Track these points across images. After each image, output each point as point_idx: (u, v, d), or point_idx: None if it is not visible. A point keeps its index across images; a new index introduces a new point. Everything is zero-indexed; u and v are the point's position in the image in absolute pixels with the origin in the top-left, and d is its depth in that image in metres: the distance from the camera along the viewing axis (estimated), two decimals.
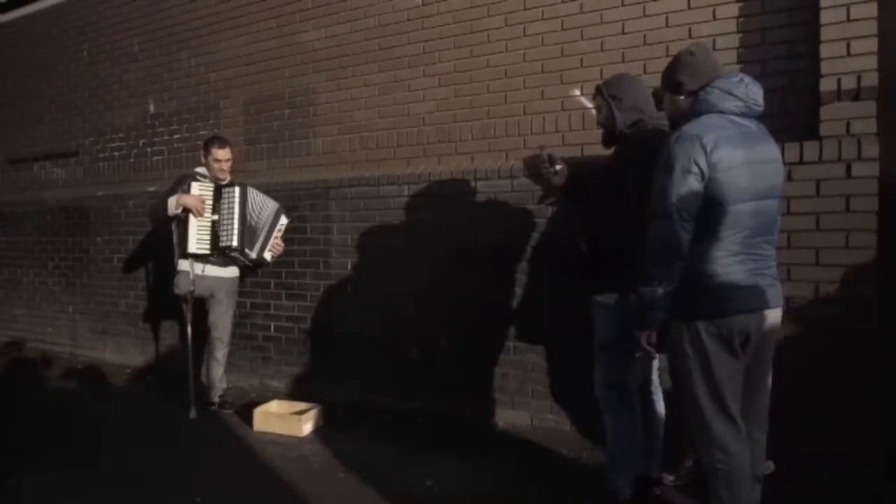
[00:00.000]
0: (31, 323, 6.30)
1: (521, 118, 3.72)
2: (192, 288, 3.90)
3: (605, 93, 2.49)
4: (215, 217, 3.91)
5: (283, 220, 4.19)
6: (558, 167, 2.79)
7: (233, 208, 3.89)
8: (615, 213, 2.34)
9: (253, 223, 3.99)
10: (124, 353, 5.48)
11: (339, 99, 4.41)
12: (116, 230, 5.53)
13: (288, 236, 4.28)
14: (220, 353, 4.09)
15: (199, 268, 3.94)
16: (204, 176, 4.01)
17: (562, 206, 3.47)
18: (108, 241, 5.62)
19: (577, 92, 3.57)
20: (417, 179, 3.96)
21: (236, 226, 3.88)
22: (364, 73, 4.28)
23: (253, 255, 4.00)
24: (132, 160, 5.62)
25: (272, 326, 4.59)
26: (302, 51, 4.55)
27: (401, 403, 3.95)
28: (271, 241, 4.12)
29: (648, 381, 2.58)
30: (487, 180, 3.71)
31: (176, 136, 5.29)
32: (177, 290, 3.97)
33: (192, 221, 3.85)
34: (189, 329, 3.96)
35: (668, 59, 3.37)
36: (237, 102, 4.92)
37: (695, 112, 2.01)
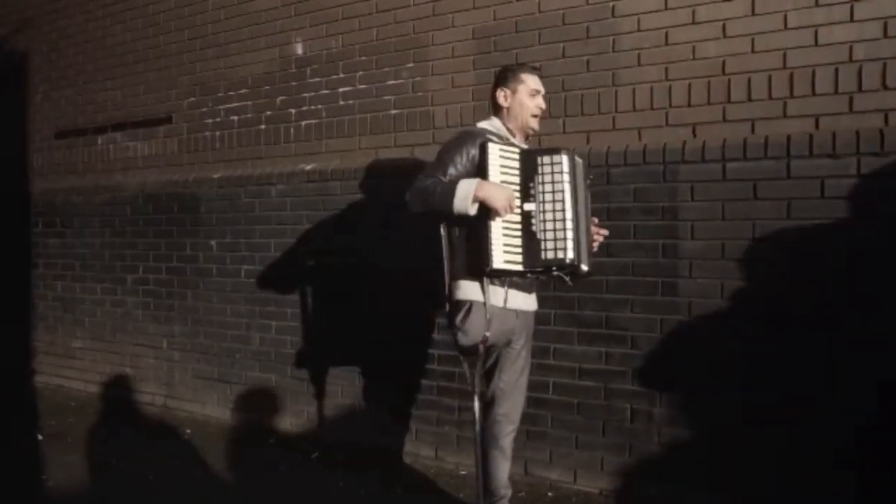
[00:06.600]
0: (95, 360, 4.47)
1: None
2: (487, 333, 2.20)
3: None
4: (530, 207, 2.21)
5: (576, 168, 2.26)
6: None
7: (561, 193, 2.17)
8: None
9: (583, 216, 2.27)
10: (254, 410, 3.72)
11: (663, 23, 2.74)
12: (247, 230, 3.77)
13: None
14: (508, 440, 2.40)
15: (498, 295, 2.23)
16: (494, 134, 2.32)
17: None
18: (228, 244, 3.85)
19: None
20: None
21: (570, 225, 2.16)
22: None
23: (585, 267, 2.27)
24: (263, 126, 3.85)
25: (550, 385, 2.88)
26: None
27: None
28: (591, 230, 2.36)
29: None
30: None
31: (343, 90, 3.55)
32: (463, 340, 2.24)
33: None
34: (477, 405, 2.28)
35: None
36: (461, 34, 3.20)
37: None
